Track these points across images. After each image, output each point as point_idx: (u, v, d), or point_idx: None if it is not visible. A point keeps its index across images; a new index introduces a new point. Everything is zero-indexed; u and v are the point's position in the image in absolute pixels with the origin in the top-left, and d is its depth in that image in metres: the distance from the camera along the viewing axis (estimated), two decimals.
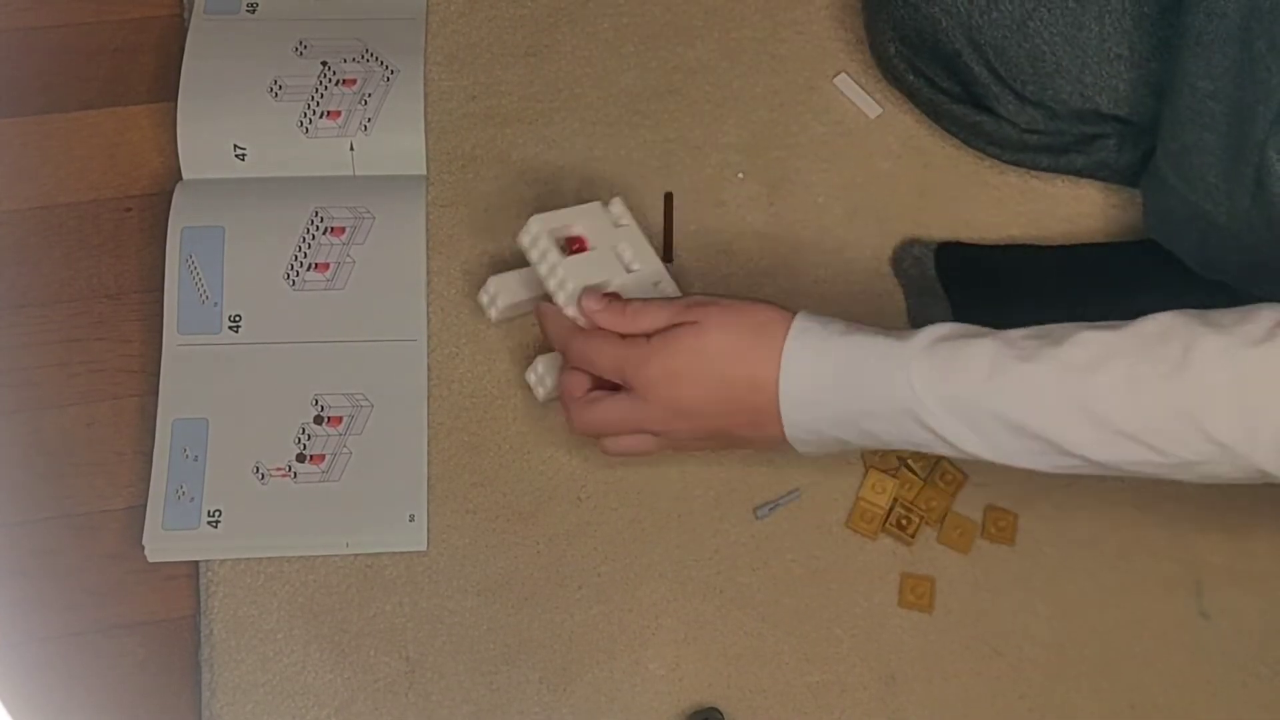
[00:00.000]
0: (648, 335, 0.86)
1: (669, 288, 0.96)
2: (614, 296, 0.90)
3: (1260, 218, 0.84)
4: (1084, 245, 1.04)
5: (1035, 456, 0.79)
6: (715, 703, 0.92)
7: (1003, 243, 1.06)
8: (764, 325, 0.84)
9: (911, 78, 1.05)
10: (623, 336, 0.87)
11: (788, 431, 0.84)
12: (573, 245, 0.95)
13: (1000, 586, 0.95)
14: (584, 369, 0.89)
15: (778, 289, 1.03)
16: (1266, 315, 0.74)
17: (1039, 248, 1.04)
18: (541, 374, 0.95)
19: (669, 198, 1.05)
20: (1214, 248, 0.90)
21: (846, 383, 0.82)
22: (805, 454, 0.87)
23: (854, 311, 1.02)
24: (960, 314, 0.99)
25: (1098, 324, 0.78)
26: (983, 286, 1.01)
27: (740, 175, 1.08)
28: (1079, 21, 0.93)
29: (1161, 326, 0.76)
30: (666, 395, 0.85)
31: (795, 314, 0.84)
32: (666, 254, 1.03)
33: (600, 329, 0.88)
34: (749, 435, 0.86)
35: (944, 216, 1.07)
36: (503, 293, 0.98)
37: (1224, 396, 0.73)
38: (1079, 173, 1.02)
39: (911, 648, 0.94)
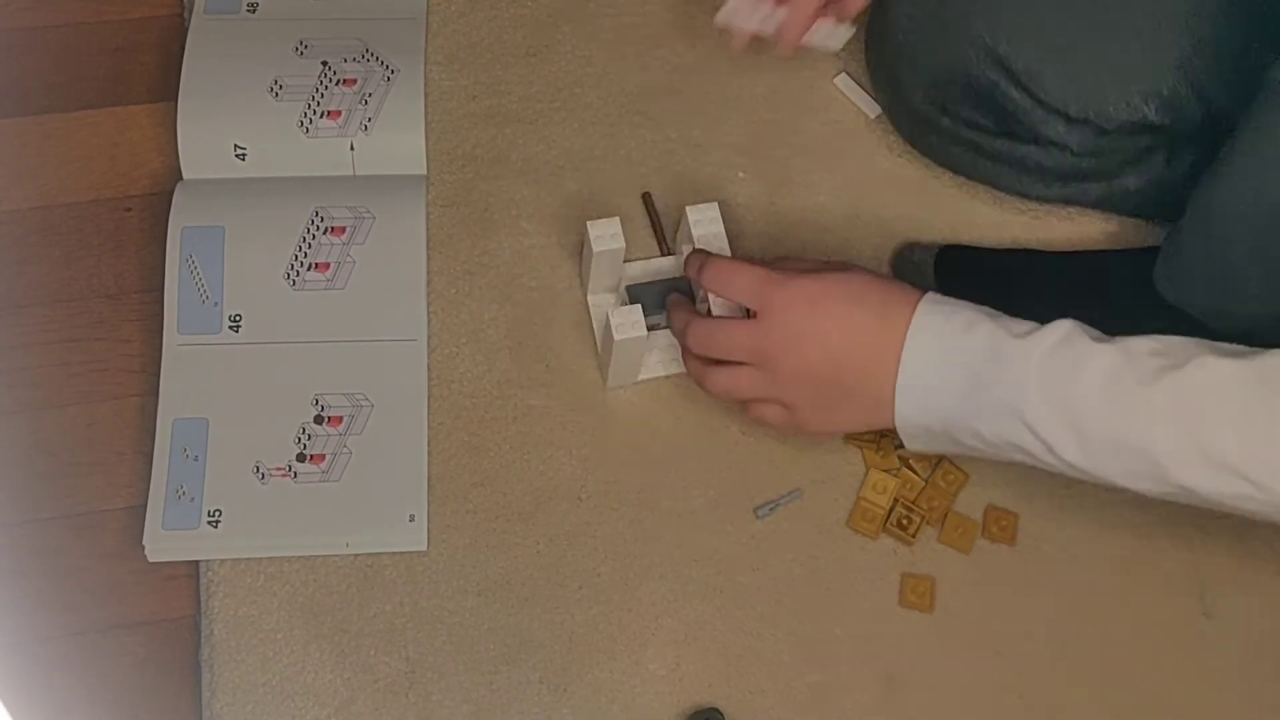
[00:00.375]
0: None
1: None
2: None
3: None
4: (1085, 253, 1.04)
5: (1136, 478, 0.79)
6: (715, 703, 0.91)
7: (1004, 244, 1.05)
8: (889, 306, 0.84)
9: (946, 121, 1.01)
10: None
11: (899, 427, 0.85)
12: None
13: (1001, 586, 0.95)
14: (719, 292, 0.88)
15: None
16: None
17: (1040, 252, 1.04)
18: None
19: (647, 197, 1.06)
20: (1236, 318, 0.90)
21: (962, 384, 0.81)
22: (910, 446, 0.87)
23: None
24: None
25: (1221, 350, 0.77)
26: (982, 292, 1.01)
27: (741, 175, 1.07)
28: (1113, 33, 0.91)
29: None
30: (803, 319, 0.84)
31: (920, 296, 0.84)
32: (663, 248, 1.03)
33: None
34: (861, 414, 0.86)
35: (944, 216, 1.07)
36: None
37: None
38: (1128, 200, 0.99)
39: (912, 648, 0.94)
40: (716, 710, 0.91)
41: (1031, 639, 0.94)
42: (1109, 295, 0.99)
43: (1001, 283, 1.01)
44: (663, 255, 1.03)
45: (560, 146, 1.08)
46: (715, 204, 0.96)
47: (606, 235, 0.95)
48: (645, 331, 0.93)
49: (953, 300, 0.84)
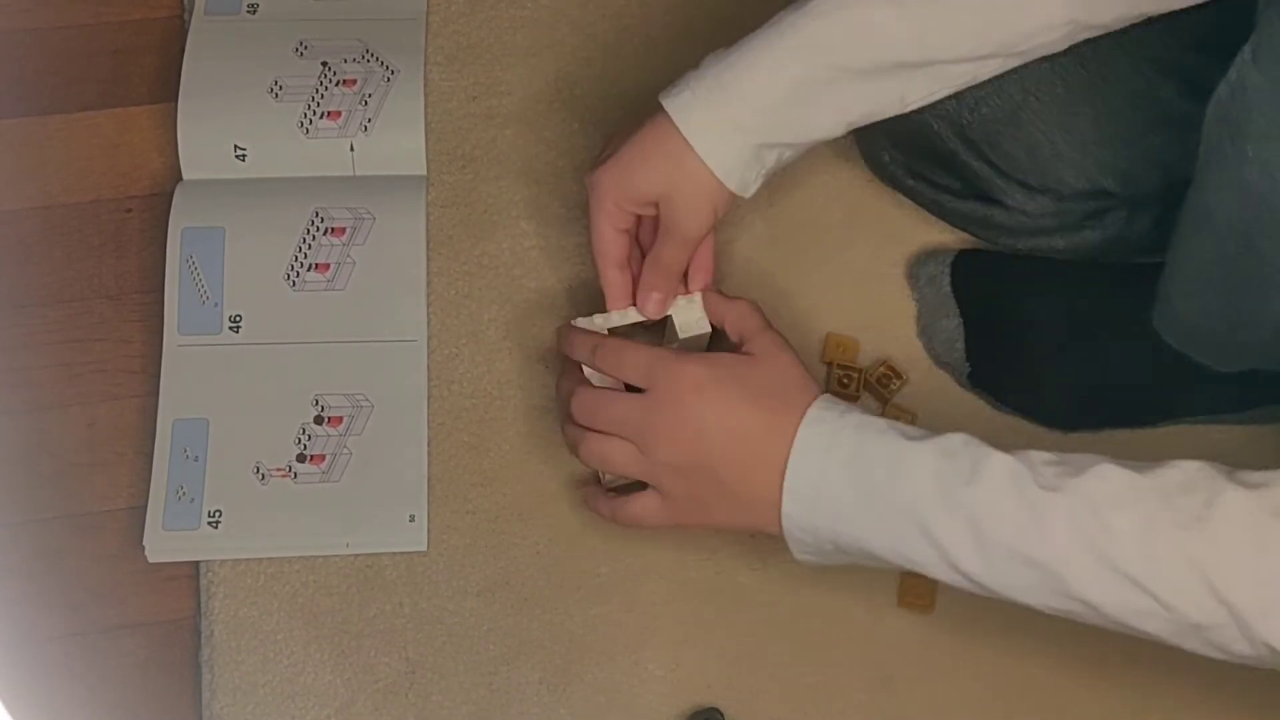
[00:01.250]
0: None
1: None
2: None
3: None
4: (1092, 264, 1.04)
5: (1033, 590, 0.76)
6: (715, 703, 0.92)
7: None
8: (782, 401, 0.81)
9: (910, 181, 1.01)
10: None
11: (786, 530, 0.81)
12: None
13: None
14: (609, 372, 0.86)
15: (777, 289, 1.03)
16: None
17: (1050, 260, 1.03)
18: None
19: None
20: (1232, 359, 0.89)
21: (855, 486, 0.78)
22: (798, 555, 0.83)
23: (853, 312, 1.03)
24: (972, 329, 0.99)
25: (1122, 462, 0.75)
26: (995, 300, 1.01)
27: None
28: (1071, 108, 0.91)
29: (1187, 475, 0.73)
30: (687, 404, 0.81)
31: (816, 396, 0.82)
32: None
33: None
34: (737, 513, 0.83)
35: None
36: None
37: (1241, 558, 0.70)
38: (1094, 250, 0.98)
39: (910, 648, 0.94)
40: (716, 710, 0.91)
41: (1030, 638, 0.94)
42: (1126, 301, 0.98)
43: (1018, 288, 1.01)
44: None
45: (560, 147, 1.08)
46: (698, 298, 0.92)
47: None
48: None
49: (844, 403, 0.82)
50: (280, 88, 1.04)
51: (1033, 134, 0.92)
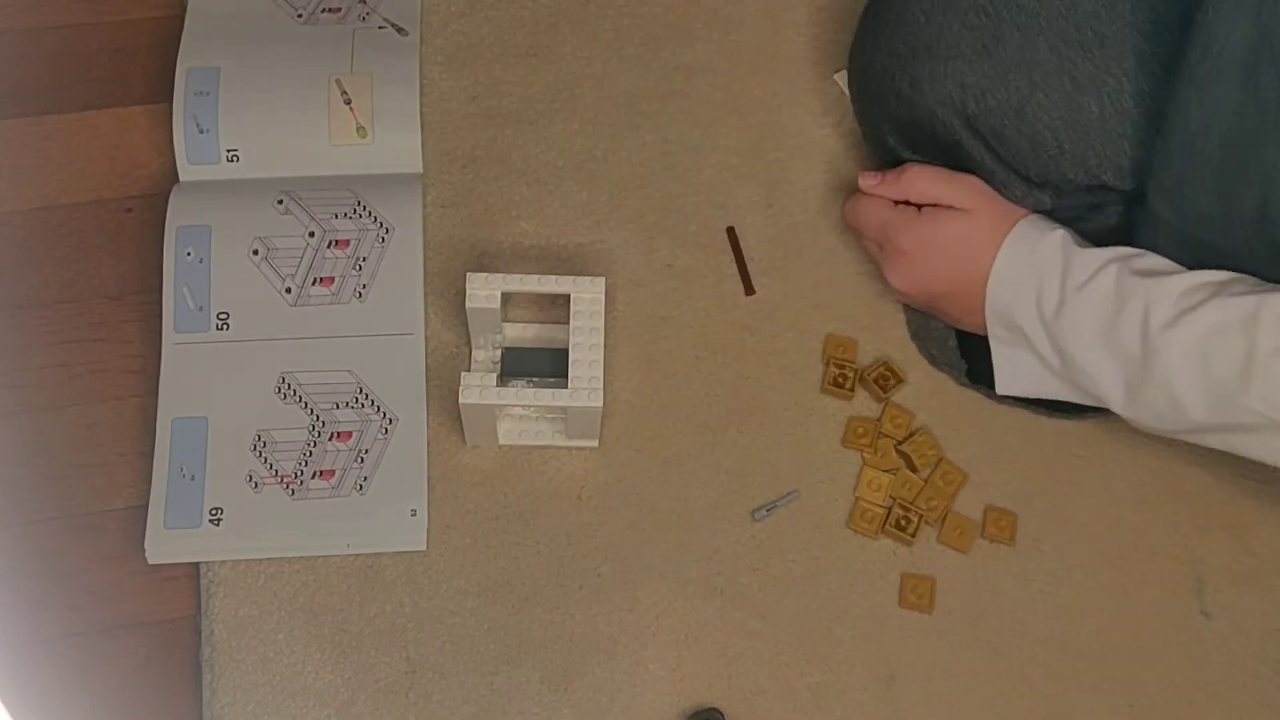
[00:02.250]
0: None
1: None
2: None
3: (1262, 244, 0.84)
4: None
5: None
6: (716, 703, 0.91)
7: None
8: (1000, 221, 0.93)
9: (916, 162, 1.01)
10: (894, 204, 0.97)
11: (988, 305, 0.93)
12: None
13: (1000, 586, 0.95)
14: (855, 226, 1.01)
15: (776, 290, 1.03)
16: None
17: None
18: None
19: (732, 232, 1.05)
20: (1221, 233, 0.90)
21: (1036, 264, 0.90)
22: (998, 357, 0.95)
23: (852, 312, 1.03)
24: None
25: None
26: None
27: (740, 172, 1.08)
28: (1077, 103, 0.92)
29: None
30: (917, 263, 0.95)
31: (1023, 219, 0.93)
32: (747, 288, 1.03)
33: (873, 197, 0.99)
34: (957, 310, 0.96)
35: None
36: None
37: None
38: (1088, 239, 0.99)
39: (912, 648, 0.94)
40: (717, 710, 0.91)
41: (1030, 638, 0.94)
42: None
43: None
44: (746, 294, 1.02)
45: (560, 147, 1.08)
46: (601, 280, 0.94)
47: (482, 293, 0.93)
48: (496, 399, 0.91)
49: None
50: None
51: (1038, 128, 0.92)
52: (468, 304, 0.93)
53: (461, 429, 0.97)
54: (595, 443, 0.97)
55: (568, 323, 0.95)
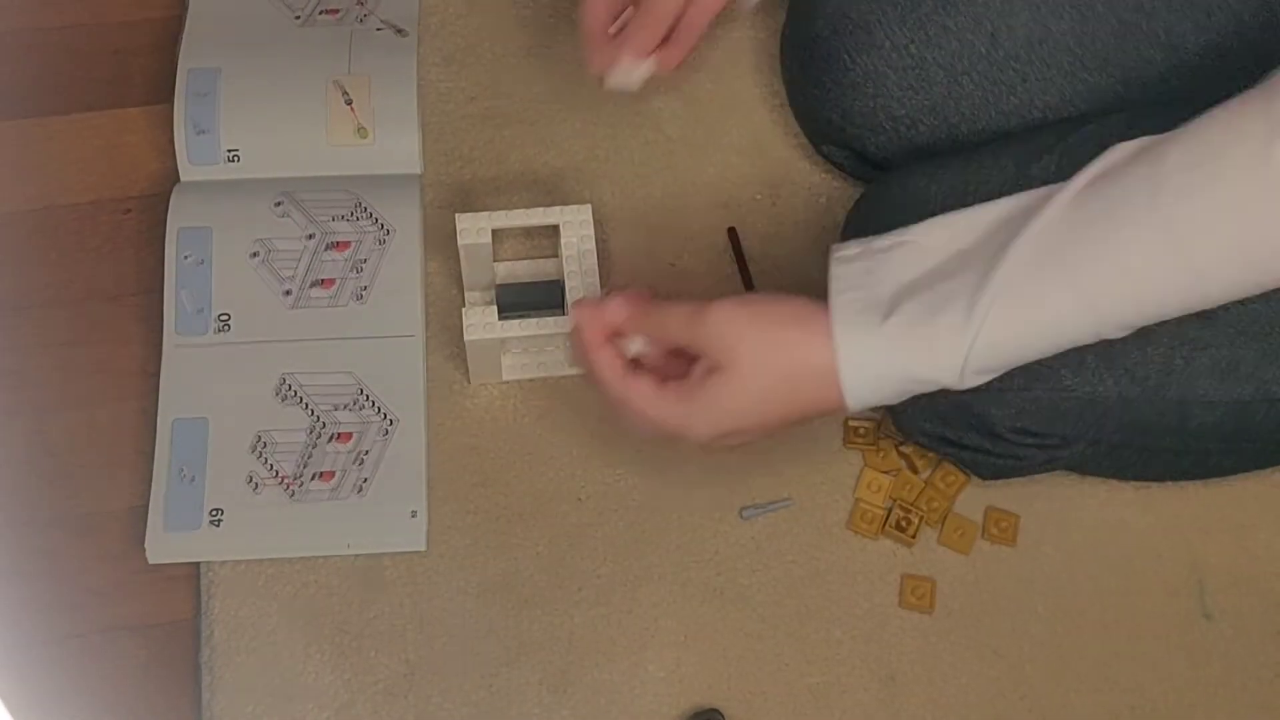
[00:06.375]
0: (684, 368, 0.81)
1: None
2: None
3: None
4: None
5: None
6: (716, 704, 0.91)
7: None
8: (797, 347, 0.79)
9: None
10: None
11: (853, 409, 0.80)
12: None
13: (1001, 588, 0.95)
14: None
15: (782, 287, 1.03)
16: None
17: None
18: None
19: (733, 232, 1.05)
20: None
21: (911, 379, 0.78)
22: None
23: None
24: None
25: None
26: None
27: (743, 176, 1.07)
28: (1005, 130, 0.95)
29: None
30: (722, 433, 0.82)
31: (825, 310, 0.79)
32: (748, 288, 1.03)
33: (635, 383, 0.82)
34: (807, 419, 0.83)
35: None
36: None
37: None
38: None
39: (912, 649, 0.93)
40: (717, 711, 0.91)
41: (1031, 640, 0.94)
42: None
43: None
44: (746, 291, 1.02)
45: (560, 147, 1.08)
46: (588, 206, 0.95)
47: (473, 229, 0.94)
48: (499, 334, 0.93)
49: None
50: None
51: (970, 145, 0.95)
52: (460, 241, 0.94)
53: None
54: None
55: (556, 255, 0.97)
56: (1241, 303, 0.78)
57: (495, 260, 0.99)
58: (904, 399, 0.81)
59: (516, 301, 0.99)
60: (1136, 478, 0.96)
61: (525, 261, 1.02)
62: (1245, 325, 0.86)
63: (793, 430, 0.83)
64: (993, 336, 0.75)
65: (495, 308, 0.94)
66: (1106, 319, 0.76)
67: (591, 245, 0.95)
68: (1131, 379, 0.87)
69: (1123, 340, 0.78)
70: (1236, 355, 0.86)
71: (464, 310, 0.94)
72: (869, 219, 0.93)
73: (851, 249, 0.81)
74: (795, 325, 0.80)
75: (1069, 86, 0.95)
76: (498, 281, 1.00)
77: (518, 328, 0.93)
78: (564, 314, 0.93)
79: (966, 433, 0.90)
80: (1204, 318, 0.78)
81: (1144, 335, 0.80)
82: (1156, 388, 0.87)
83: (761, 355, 0.79)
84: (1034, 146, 0.89)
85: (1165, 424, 0.88)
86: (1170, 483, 0.97)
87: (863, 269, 0.79)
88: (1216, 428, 0.88)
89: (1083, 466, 0.95)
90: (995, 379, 0.80)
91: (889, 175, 0.96)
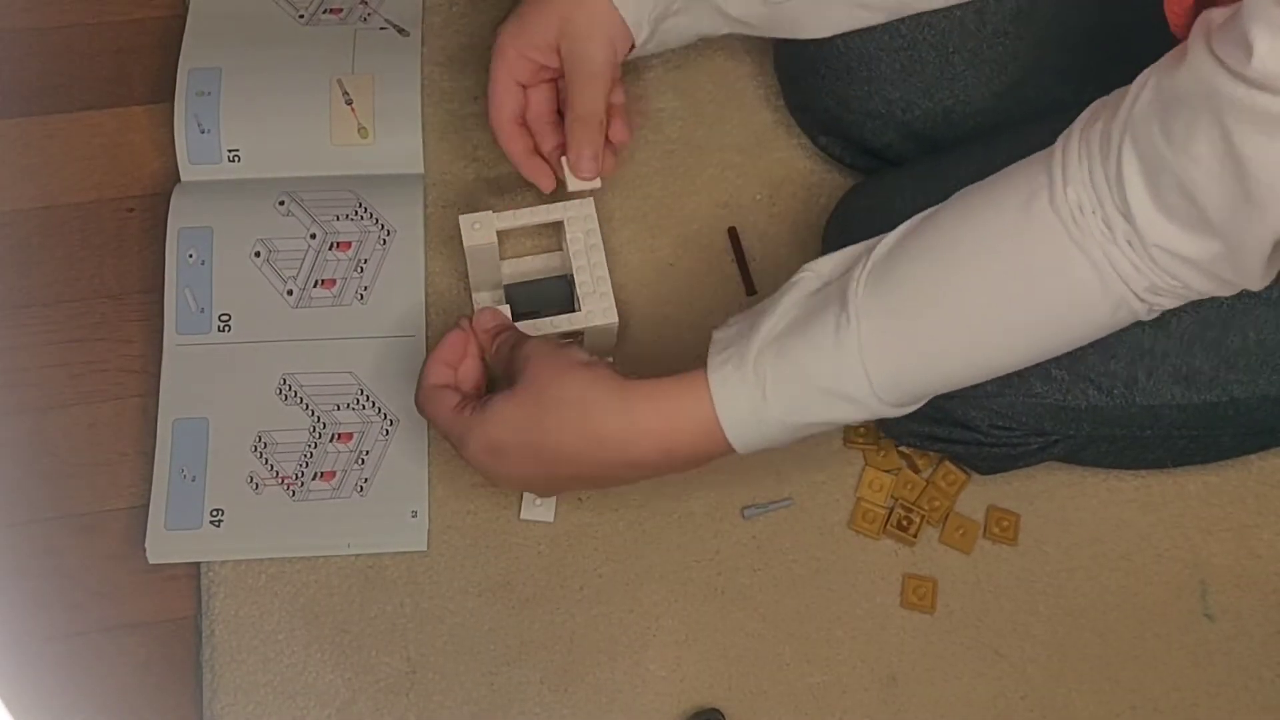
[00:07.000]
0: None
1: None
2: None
3: None
4: None
5: None
6: (716, 704, 0.91)
7: None
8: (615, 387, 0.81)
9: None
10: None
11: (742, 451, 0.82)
12: None
13: (1002, 587, 0.95)
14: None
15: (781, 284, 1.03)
16: None
17: None
18: None
19: (733, 232, 1.05)
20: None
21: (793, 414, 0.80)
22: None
23: None
24: None
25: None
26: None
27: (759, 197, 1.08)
28: (1000, 109, 0.97)
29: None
30: (491, 444, 0.84)
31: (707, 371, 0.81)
32: (749, 287, 1.03)
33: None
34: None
35: None
36: None
37: None
38: None
39: (913, 648, 0.93)
40: (717, 711, 0.91)
41: (1032, 639, 0.94)
42: None
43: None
44: (748, 294, 1.02)
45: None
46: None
47: (477, 230, 0.94)
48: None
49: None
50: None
51: (966, 129, 0.97)
52: (465, 243, 0.94)
53: None
54: (610, 359, 0.97)
55: (560, 250, 0.97)
56: (1194, 308, 0.79)
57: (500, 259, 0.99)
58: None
59: (528, 300, 0.98)
60: (1134, 465, 0.97)
61: (529, 258, 1.02)
62: (1199, 333, 0.87)
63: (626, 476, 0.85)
64: (880, 367, 0.77)
65: (507, 306, 0.93)
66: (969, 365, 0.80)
67: (598, 239, 0.95)
68: (1098, 390, 0.89)
69: (1084, 351, 0.81)
70: (1194, 365, 0.88)
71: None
72: (845, 227, 0.96)
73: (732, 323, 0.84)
74: (605, 376, 0.81)
75: (1059, 61, 0.95)
76: (504, 281, 1.00)
77: (532, 329, 0.93)
78: (577, 311, 0.94)
79: (953, 429, 0.92)
80: (1158, 325, 0.79)
81: (1103, 347, 0.83)
82: (1124, 396, 0.89)
83: (548, 376, 0.82)
84: (998, 150, 0.89)
85: (1140, 422, 0.90)
86: (1173, 468, 0.97)
87: (735, 332, 0.83)
88: (1189, 425, 0.90)
89: (1078, 457, 0.96)
90: (967, 387, 0.82)
91: (860, 184, 1.00)
